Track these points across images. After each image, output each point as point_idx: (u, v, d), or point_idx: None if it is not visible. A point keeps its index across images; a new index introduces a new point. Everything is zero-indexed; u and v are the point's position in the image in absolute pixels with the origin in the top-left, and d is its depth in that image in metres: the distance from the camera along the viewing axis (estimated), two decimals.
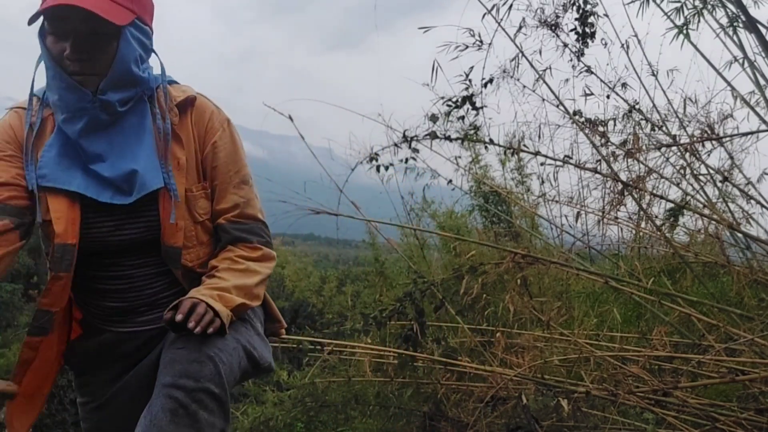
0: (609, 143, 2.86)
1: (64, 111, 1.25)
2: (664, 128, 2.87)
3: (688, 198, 2.86)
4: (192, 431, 1.14)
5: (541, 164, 3.30)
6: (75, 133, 1.25)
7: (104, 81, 1.23)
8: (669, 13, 2.74)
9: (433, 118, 2.99)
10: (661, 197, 2.81)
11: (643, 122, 2.95)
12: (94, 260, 1.33)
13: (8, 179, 1.26)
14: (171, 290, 1.41)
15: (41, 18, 1.22)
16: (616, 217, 2.97)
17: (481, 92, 3.00)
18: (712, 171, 2.76)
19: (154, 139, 1.31)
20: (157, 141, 1.31)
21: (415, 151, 3.04)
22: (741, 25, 2.51)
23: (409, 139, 2.94)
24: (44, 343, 1.33)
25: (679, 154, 2.76)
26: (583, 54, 2.96)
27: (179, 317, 1.13)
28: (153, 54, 1.34)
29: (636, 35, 2.84)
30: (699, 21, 2.68)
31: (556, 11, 2.90)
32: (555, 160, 2.95)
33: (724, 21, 2.62)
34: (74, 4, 1.15)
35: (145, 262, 1.37)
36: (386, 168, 3.12)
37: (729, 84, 2.67)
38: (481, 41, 2.86)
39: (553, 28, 2.91)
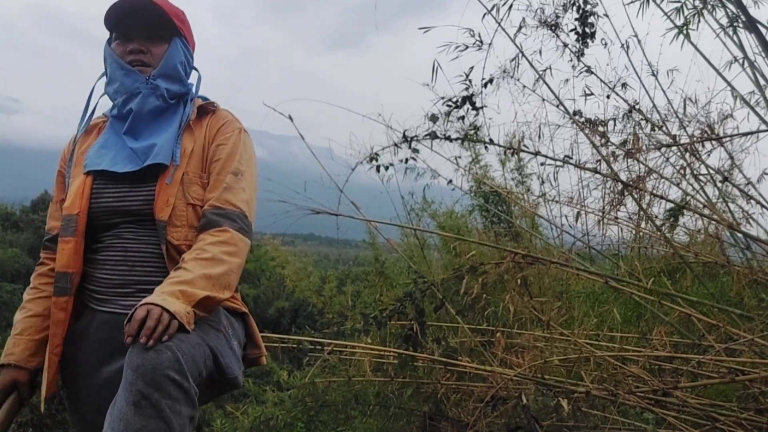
0: (609, 143, 2.85)
1: (123, 93, 1.51)
2: (664, 128, 2.87)
3: (688, 198, 2.85)
4: (158, 421, 1.14)
5: (541, 164, 3.31)
6: (136, 105, 1.49)
7: (155, 70, 1.52)
8: (669, 13, 2.75)
9: (433, 118, 2.99)
10: (661, 197, 2.81)
11: (643, 122, 2.95)
12: (99, 230, 1.48)
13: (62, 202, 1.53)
14: (161, 276, 1.43)
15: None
16: (616, 217, 2.97)
17: (481, 92, 3.01)
18: (712, 171, 2.76)
19: (178, 130, 1.52)
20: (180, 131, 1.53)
21: (415, 151, 3.04)
22: (741, 25, 2.51)
23: (409, 139, 2.95)
24: (68, 303, 1.46)
25: (679, 154, 2.76)
26: (583, 54, 2.96)
27: (128, 340, 1.18)
28: (195, 71, 1.63)
29: (636, 35, 2.84)
30: (699, 21, 2.68)
31: (556, 11, 2.90)
32: (555, 160, 2.95)
33: (724, 21, 2.63)
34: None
35: (141, 239, 1.46)
36: (386, 168, 3.12)
37: (729, 84, 2.67)
38: (481, 41, 2.86)
39: (553, 28, 2.91)
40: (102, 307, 1.46)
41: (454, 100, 3.01)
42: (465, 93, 3.00)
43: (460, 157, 3.52)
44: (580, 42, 2.94)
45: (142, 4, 1.50)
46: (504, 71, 2.97)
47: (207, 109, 1.59)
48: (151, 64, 1.52)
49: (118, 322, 1.40)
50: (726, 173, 2.77)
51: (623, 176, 2.70)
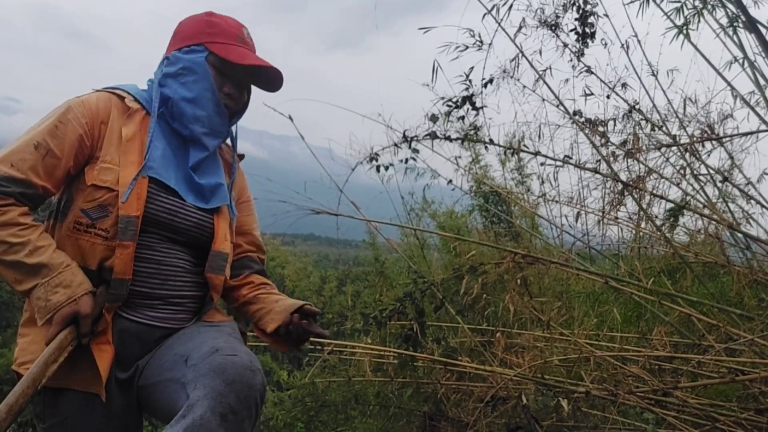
0: (609, 143, 2.86)
1: (207, 127, 1.50)
2: (664, 128, 2.87)
3: (688, 198, 2.86)
4: None
5: (541, 164, 3.31)
6: (213, 146, 1.53)
7: (236, 118, 1.60)
8: (669, 13, 2.75)
9: (433, 118, 3.00)
10: (661, 197, 2.81)
11: (643, 122, 2.95)
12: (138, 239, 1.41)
13: (65, 166, 1.38)
14: (190, 290, 1.49)
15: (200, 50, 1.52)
16: (616, 217, 2.97)
17: (481, 92, 3.01)
18: (712, 171, 2.76)
19: (223, 172, 1.60)
20: (226, 173, 1.61)
21: (415, 151, 3.05)
22: (741, 25, 2.51)
23: (409, 139, 2.95)
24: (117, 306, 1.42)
25: (679, 154, 2.76)
26: (583, 54, 2.97)
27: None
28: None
29: (636, 35, 2.84)
30: (699, 21, 2.68)
31: (556, 11, 2.90)
32: (555, 160, 2.95)
33: (724, 21, 2.63)
34: (274, 68, 1.55)
35: (177, 256, 1.47)
36: (386, 168, 3.12)
37: (729, 84, 2.67)
38: (481, 41, 2.86)
39: (553, 28, 2.91)
40: (129, 315, 1.41)
41: (454, 100, 3.01)
42: (465, 93, 3.00)
43: (460, 157, 3.52)
44: (580, 42, 2.94)
45: (270, 70, 1.56)
46: (504, 71, 2.97)
47: (238, 160, 1.71)
48: (233, 111, 1.57)
49: (139, 332, 1.42)
50: (726, 173, 2.77)
51: (623, 176, 2.70)
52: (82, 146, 1.39)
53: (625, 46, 2.86)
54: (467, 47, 2.87)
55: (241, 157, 1.71)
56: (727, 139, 2.68)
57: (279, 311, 1.52)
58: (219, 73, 1.51)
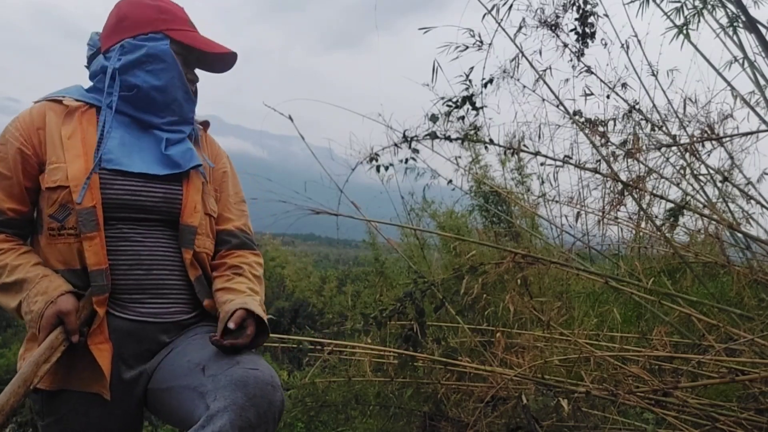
0: (609, 143, 2.86)
1: (177, 114, 1.51)
2: (664, 128, 2.87)
3: (688, 198, 2.86)
4: None
5: (541, 164, 3.31)
6: (187, 132, 1.53)
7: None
8: (669, 13, 2.75)
9: (433, 118, 3.00)
10: (661, 197, 2.81)
11: (643, 122, 2.95)
12: (108, 232, 1.40)
13: (18, 182, 1.42)
14: (176, 278, 1.46)
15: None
16: (616, 217, 2.97)
17: (481, 92, 3.01)
18: (712, 171, 2.76)
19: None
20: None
21: (415, 151, 3.04)
22: (741, 25, 2.51)
23: (409, 139, 2.95)
24: (107, 298, 1.40)
25: (679, 154, 2.76)
26: (583, 54, 2.97)
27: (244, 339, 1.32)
28: None
29: (636, 35, 2.85)
30: (699, 21, 2.68)
31: (556, 11, 2.90)
32: (555, 160, 2.95)
33: (724, 21, 2.63)
34: (231, 52, 1.54)
35: (158, 243, 1.44)
36: (386, 168, 3.12)
37: (729, 84, 2.67)
38: (481, 41, 2.86)
39: (553, 28, 2.91)
40: (116, 312, 1.39)
41: (454, 100, 3.01)
42: (465, 93, 3.00)
43: (460, 157, 3.52)
44: (580, 42, 2.94)
45: (228, 55, 1.56)
46: (504, 71, 2.98)
47: (203, 125, 1.68)
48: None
49: (132, 330, 1.40)
50: (726, 173, 2.77)
51: (623, 176, 2.70)
52: (25, 157, 1.42)
53: (625, 46, 2.87)
54: (467, 47, 2.87)
55: (206, 124, 1.68)
56: (727, 139, 2.68)
57: (221, 319, 1.40)
58: (180, 57, 1.50)
